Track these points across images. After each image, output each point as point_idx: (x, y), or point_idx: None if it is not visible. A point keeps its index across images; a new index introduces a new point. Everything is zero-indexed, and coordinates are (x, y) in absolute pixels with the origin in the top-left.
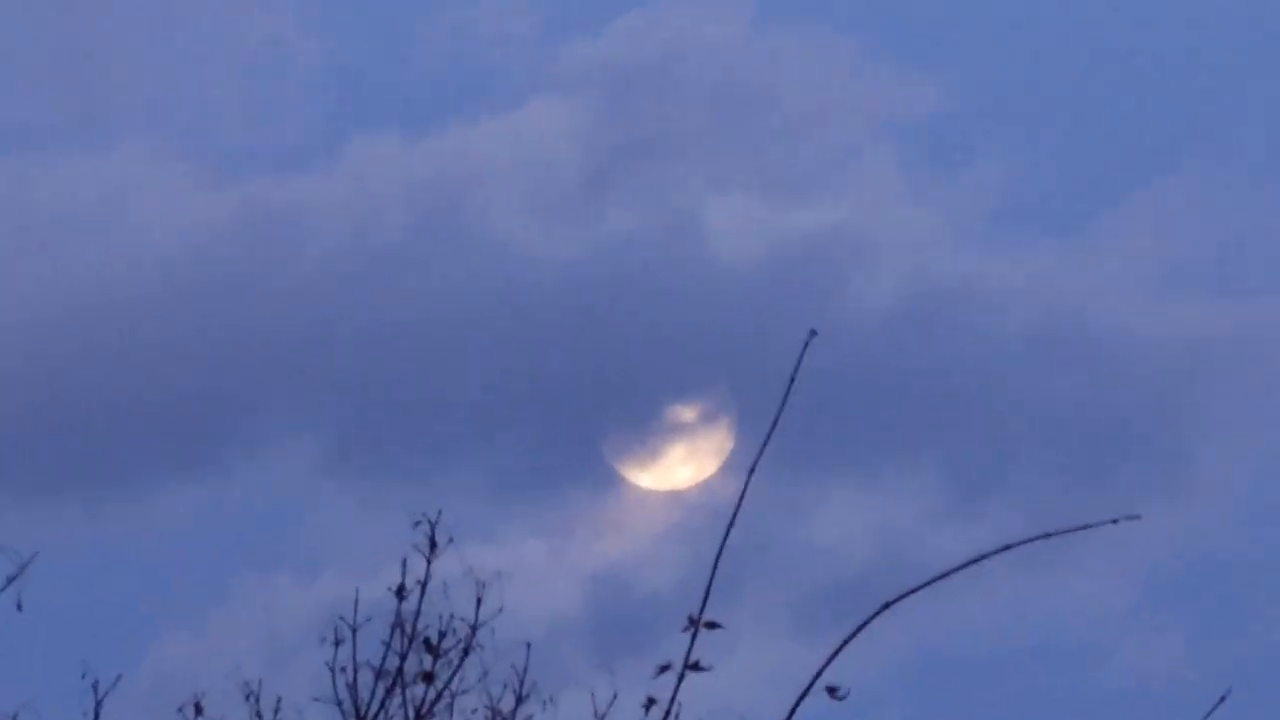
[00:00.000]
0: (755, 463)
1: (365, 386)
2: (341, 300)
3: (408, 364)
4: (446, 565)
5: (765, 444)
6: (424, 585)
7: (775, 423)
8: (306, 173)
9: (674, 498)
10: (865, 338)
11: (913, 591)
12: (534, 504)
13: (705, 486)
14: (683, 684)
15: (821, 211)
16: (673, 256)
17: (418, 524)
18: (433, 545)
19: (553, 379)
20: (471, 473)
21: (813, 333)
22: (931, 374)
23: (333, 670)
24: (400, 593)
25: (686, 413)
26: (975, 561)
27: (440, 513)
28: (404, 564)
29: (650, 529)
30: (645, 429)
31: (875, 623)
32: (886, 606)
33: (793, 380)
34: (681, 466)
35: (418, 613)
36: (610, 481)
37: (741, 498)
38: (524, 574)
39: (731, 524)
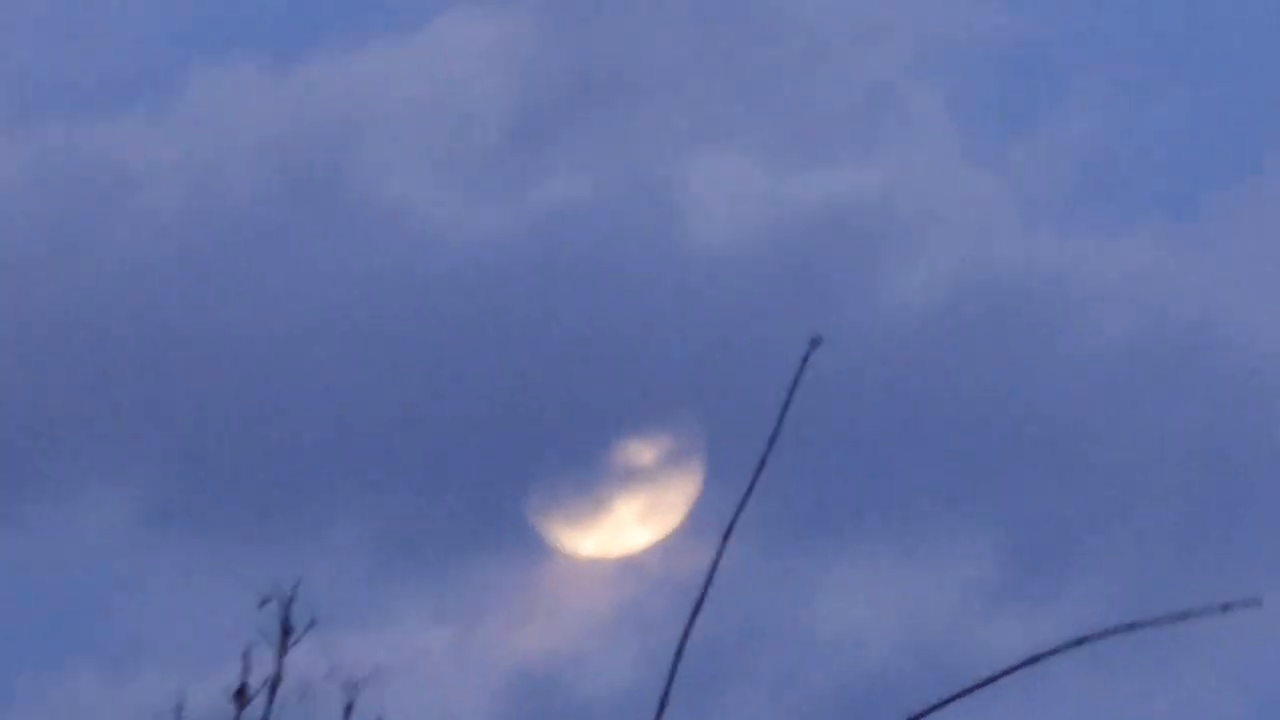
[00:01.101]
0: (733, 520)
1: (202, 412)
2: (175, 291)
3: (262, 382)
4: (305, 659)
5: (748, 494)
6: (274, 686)
7: (762, 465)
8: (130, 112)
9: (623, 568)
10: (896, 350)
11: (951, 700)
12: (431, 577)
13: (665, 553)
14: None
15: (842, 177)
16: (634, 236)
17: (265, 602)
18: (286, 631)
19: (461, 405)
20: (345, 534)
21: (816, 341)
22: (986, 400)
23: None
24: (241, 696)
25: (642, 452)
26: (1036, 660)
27: (297, 585)
28: (246, 657)
29: (591, 611)
30: (586, 474)
31: None
32: None
33: (787, 406)
34: (633, 526)
35: None
36: (536, 547)
37: (713, 568)
38: (417, 671)
39: (699, 604)
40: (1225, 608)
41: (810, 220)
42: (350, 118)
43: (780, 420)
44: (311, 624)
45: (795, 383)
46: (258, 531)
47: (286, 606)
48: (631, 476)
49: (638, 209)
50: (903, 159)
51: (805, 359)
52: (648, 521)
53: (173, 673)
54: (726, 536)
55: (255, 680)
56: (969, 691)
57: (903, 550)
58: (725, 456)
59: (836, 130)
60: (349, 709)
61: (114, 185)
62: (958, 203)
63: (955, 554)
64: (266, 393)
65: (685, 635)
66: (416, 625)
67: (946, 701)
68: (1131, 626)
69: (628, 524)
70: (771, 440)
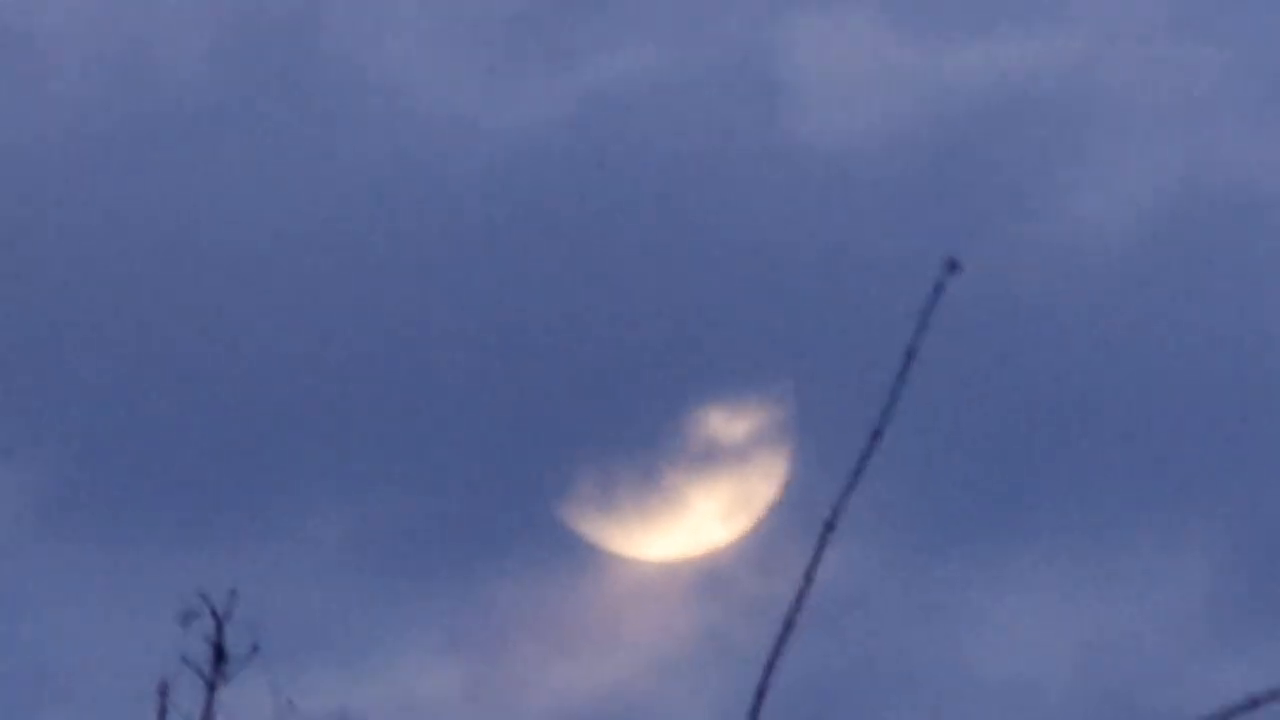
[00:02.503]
0: (836, 511)
1: (120, 369)
2: (94, 200)
3: (207, 327)
4: (249, 696)
5: (856, 475)
6: None
7: (876, 436)
8: None
9: (698, 577)
10: (1082, 287)
11: None
12: (436, 593)
13: (753, 557)
14: None
15: (1005, 51)
16: (714, 130)
17: (189, 619)
18: (219, 658)
19: (481, 361)
20: (313, 534)
21: (953, 266)
22: (1208, 359)
23: None
24: None
25: (725, 426)
26: (1256, 705)
27: (233, 598)
28: (164, 692)
29: (655, 635)
30: (645, 456)
31: None
32: None
33: (911, 356)
34: (711, 523)
35: None
36: (579, 553)
37: (809, 576)
38: (411, 714)
39: (791, 622)
40: None
41: (959, 109)
42: None
43: (902, 377)
44: (254, 650)
45: (923, 323)
46: (192, 530)
47: (217, 619)
48: (709, 459)
49: (720, 92)
50: (1090, 27)
51: (938, 291)
52: (730, 517)
53: (78, 714)
54: (827, 531)
55: None
56: None
57: (1088, 567)
58: (835, 430)
59: None
60: None
61: (17, 58)
62: (1165, 86)
63: (1159, 573)
64: (213, 342)
65: (770, 665)
66: (415, 657)
67: None
68: None
69: (704, 520)
70: (889, 405)
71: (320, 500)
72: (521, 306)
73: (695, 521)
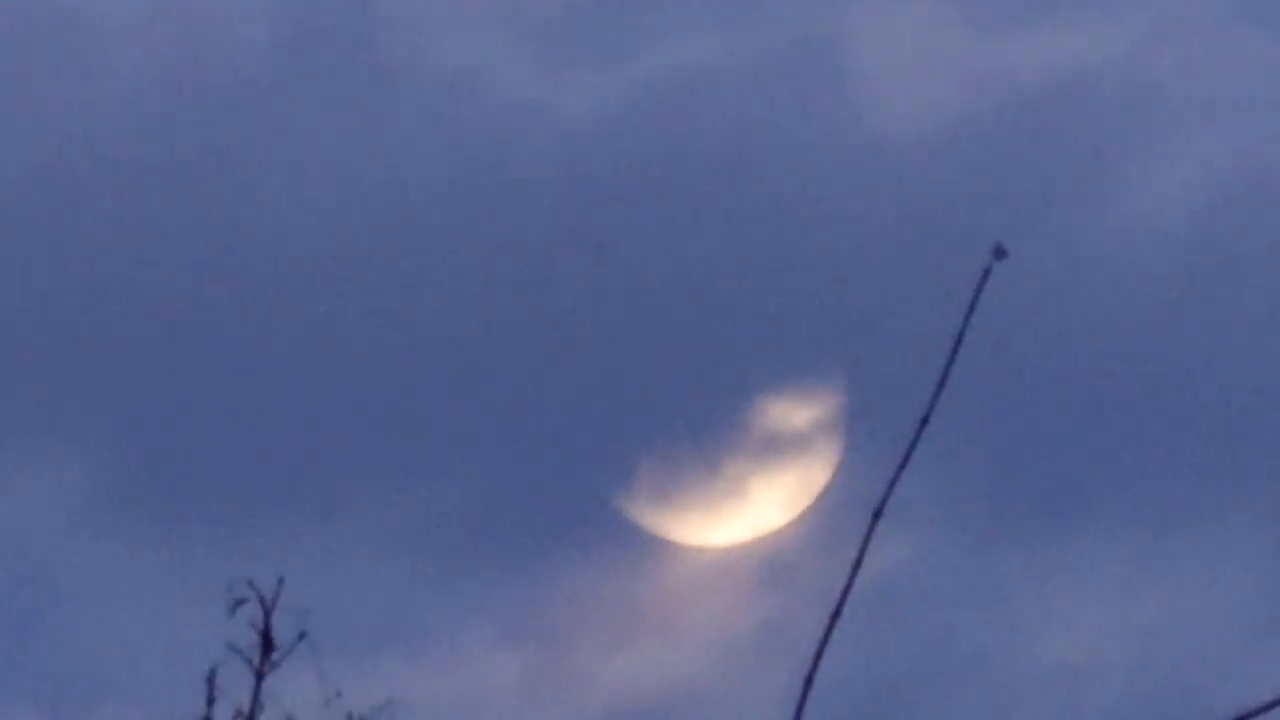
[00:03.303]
0: (885, 497)
1: (173, 360)
2: (149, 187)
3: (259, 319)
4: (297, 684)
5: (905, 461)
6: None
7: (924, 422)
8: None
9: (757, 566)
10: (1142, 277)
11: None
12: (491, 582)
13: (815, 545)
14: None
15: (1068, 40)
16: (777, 118)
17: (238, 605)
18: (267, 646)
19: (534, 349)
20: (365, 523)
21: (1000, 252)
22: (1271, 352)
23: None
24: None
25: (783, 414)
26: None
27: (281, 582)
28: (211, 680)
29: (714, 624)
30: (702, 444)
31: None
32: None
33: (959, 341)
34: (769, 510)
35: None
36: (637, 541)
37: (858, 563)
38: (474, 708)
39: (839, 610)
40: None
41: (1023, 98)
42: None
43: (949, 364)
44: (301, 638)
45: (970, 310)
46: (243, 520)
47: (266, 608)
48: (768, 447)
49: (782, 81)
50: (1149, 16)
51: (985, 276)
52: (789, 505)
53: (117, 701)
54: (875, 519)
55: (222, 715)
56: None
57: (1149, 557)
58: (894, 418)
59: None
60: None
61: (74, 40)
62: (1228, 75)
63: (1219, 562)
64: (264, 333)
65: (818, 654)
66: (471, 647)
67: None
68: None
69: (763, 508)
70: (937, 392)
71: (377, 489)
72: (583, 294)
73: (755, 510)
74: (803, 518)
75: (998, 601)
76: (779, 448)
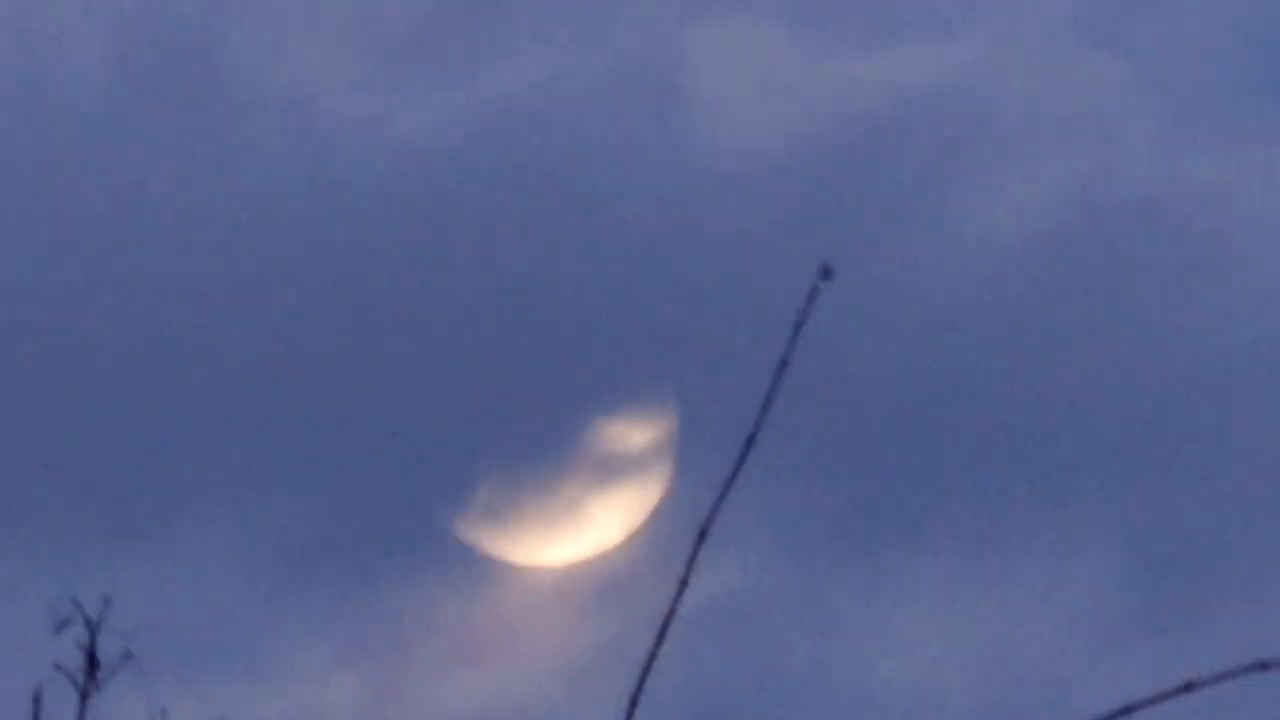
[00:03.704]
0: (710, 516)
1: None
2: None
3: (91, 326)
4: (123, 704)
5: (731, 480)
6: None
7: (750, 442)
8: None
9: (594, 586)
10: (981, 294)
11: None
12: (326, 600)
13: (657, 564)
14: None
15: (911, 58)
16: (613, 140)
17: (62, 625)
18: (92, 665)
19: (369, 368)
20: (200, 540)
21: (826, 271)
22: (1105, 366)
23: None
24: None
25: (623, 432)
26: (1130, 711)
27: (107, 602)
28: (37, 701)
29: (551, 643)
30: (534, 463)
31: None
32: None
33: (786, 362)
34: (603, 527)
35: None
36: (470, 562)
37: (684, 581)
38: None
39: (664, 631)
40: None
41: (863, 119)
42: None
43: (775, 385)
44: (127, 657)
45: (797, 329)
46: (68, 537)
47: (91, 626)
48: (601, 466)
49: (621, 101)
50: (991, 36)
51: (812, 296)
52: (623, 525)
53: None
54: (701, 539)
55: None
56: None
57: (987, 575)
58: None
59: None
60: None
61: None
62: (1068, 96)
63: (1055, 579)
64: (95, 347)
65: (644, 673)
66: (307, 667)
67: None
68: (1260, 667)
69: (597, 528)
70: (762, 412)
71: (208, 506)
72: (419, 313)
73: (590, 530)
74: (639, 538)
75: (834, 623)
76: (613, 467)
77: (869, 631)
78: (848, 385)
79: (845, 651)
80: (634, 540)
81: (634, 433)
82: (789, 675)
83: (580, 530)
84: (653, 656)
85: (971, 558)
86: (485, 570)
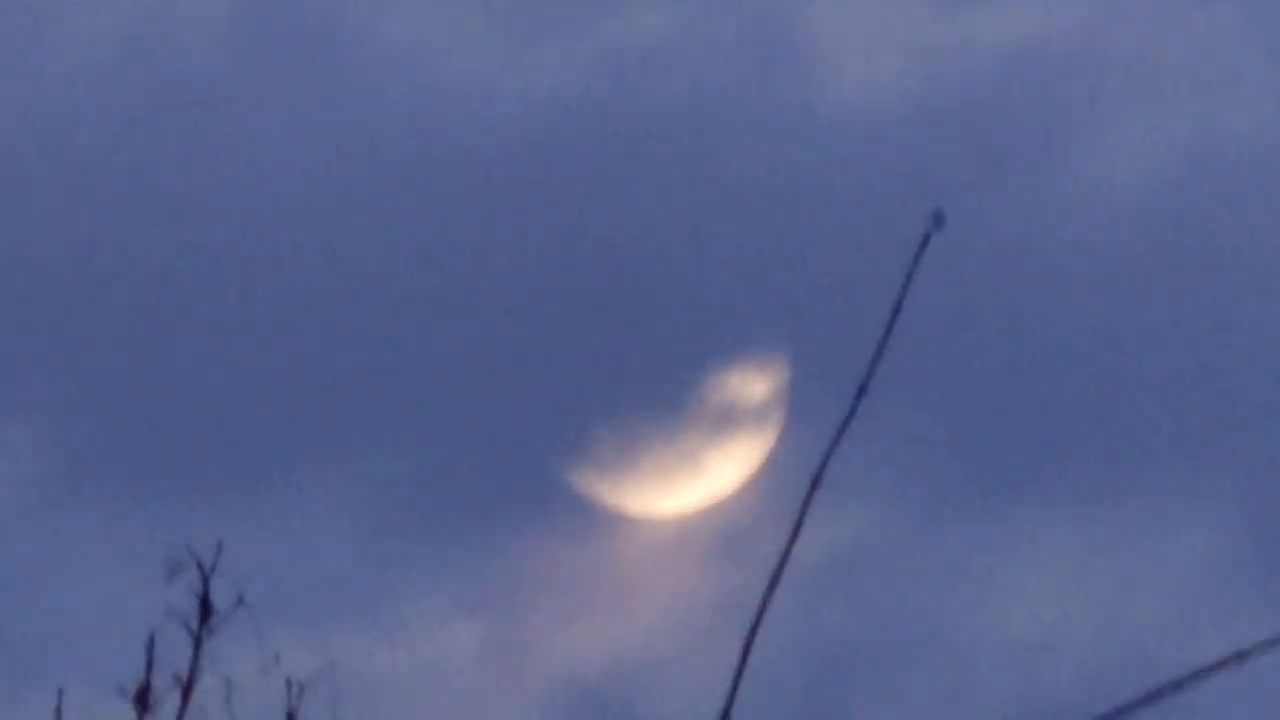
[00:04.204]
0: (823, 465)
1: (95, 334)
2: (100, 160)
3: (207, 286)
4: (237, 650)
5: (842, 430)
6: (188, 686)
7: (862, 391)
8: None
9: (715, 537)
10: (1095, 246)
11: (1147, 701)
12: (447, 549)
13: (755, 510)
14: None
15: (1020, 16)
16: (732, 93)
17: (174, 572)
18: (205, 610)
19: (484, 321)
20: (320, 491)
21: (939, 219)
22: (1225, 314)
23: None
24: (144, 701)
25: (733, 383)
26: (1244, 657)
27: (220, 546)
28: (150, 646)
29: (670, 595)
30: (654, 414)
31: None
32: None
33: (898, 309)
34: (725, 477)
35: None
36: (589, 512)
37: (796, 530)
38: (428, 676)
39: (776, 578)
40: None
41: (980, 73)
42: None
43: (887, 333)
44: (240, 602)
45: (909, 278)
46: (182, 488)
47: (204, 572)
48: (716, 416)
49: (740, 56)
50: None
51: (924, 244)
52: (739, 475)
53: (67, 671)
54: (814, 488)
55: (161, 680)
56: (1160, 696)
57: (1104, 526)
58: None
59: None
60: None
61: (26, 13)
62: (1182, 49)
63: (1173, 529)
64: (206, 304)
65: (756, 622)
66: (423, 617)
67: (1144, 701)
68: None
69: (714, 478)
70: (874, 361)
71: (323, 457)
72: (534, 266)
73: (706, 480)
74: (754, 487)
75: (952, 575)
76: (728, 418)
77: (987, 583)
78: (971, 338)
79: (963, 603)
80: (749, 490)
81: (748, 383)
82: (909, 626)
83: (696, 481)
84: (765, 604)
85: (1089, 510)
86: (600, 520)
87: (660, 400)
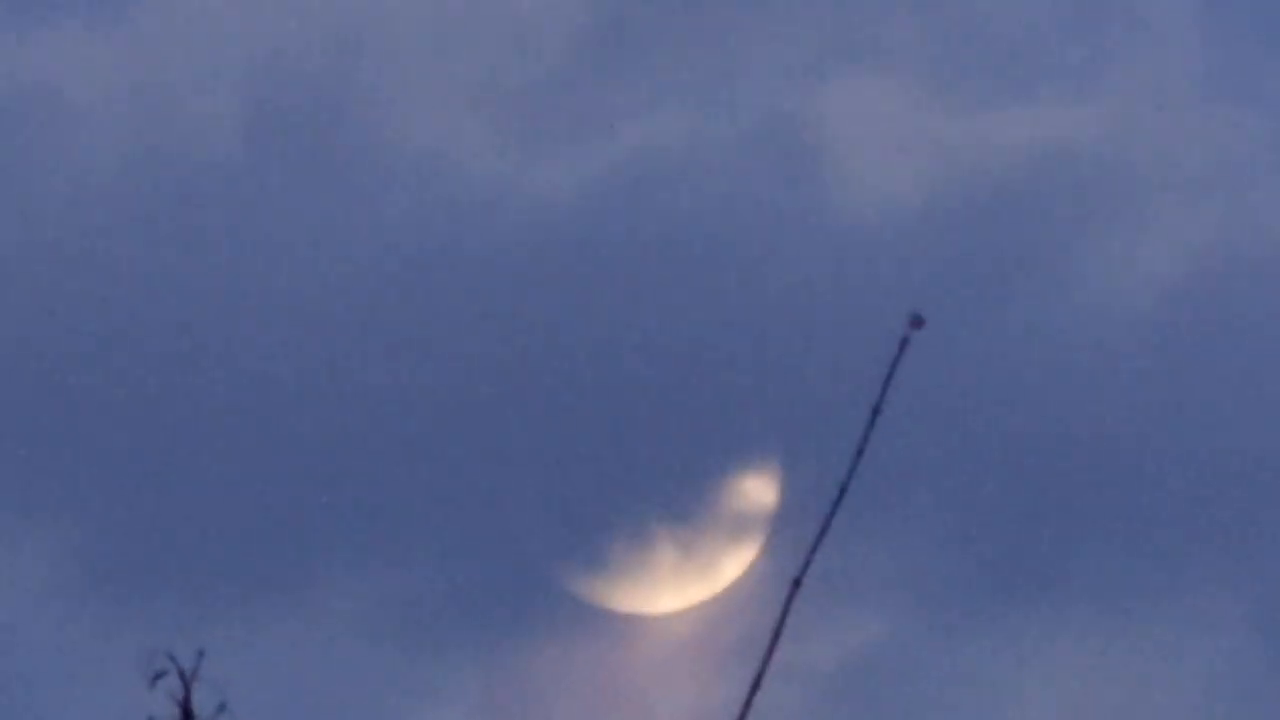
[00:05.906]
0: (805, 564)
1: (129, 425)
2: (112, 260)
3: (219, 388)
4: None
5: (822, 532)
6: None
7: (842, 493)
8: (65, 22)
9: (707, 635)
10: (1115, 353)
11: None
12: (446, 659)
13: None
14: None
15: (1040, 118)
16: (747, 195)
17: (157, 677)
18: (187, 717)
19: (490, 427)
20: (323, 602)
21: (917, 321)
22: (1243, 418)
23: None
24: None
25: (738, 489)
26: None
27: (201, 656)
28: None
29: (671, 693)
30: (657, 516)
31: None
32: None
33: (874, 415)
34: (728, 579)
35: None
36: (583, 612)
37: (778, 631)
38: None
39: (759, 680)
40: None
41: (994, 176)
42: (356, 34)
43: (867, 434)
44: (221, 708)
45: (889, 379)
46: (187, 592)
47: (185, 680)
48: (724, 522)
49: (755, 158)
50: (1127, 95)
51: (903, 346)
52: (723, 574)
53: None
54: (795, 588)
55: None
56: None
57: (1120, 630)
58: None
59: (1031, 52)
60: None
61: (45, 120)
62: (1202, 154)
63: (1189, 633)
64: (218, 411)
65: (742, 716)
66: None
67: None
68: None
69: (722, 580)
70: (854, 462)
71: (333, 571)
72: (545, 373)
73: (715, 583)
74: (767, 589)
75: (967, 680)
76: (718, 522)
77: (1004, 688)
78: (984, 442)
79: (980, 708)
80: (735, 592)
81: (740, 488)
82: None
83: (704, 585)
84: (747, 707)
85: (1104, 611)
86: (608, 625)
87: (667, 505)
